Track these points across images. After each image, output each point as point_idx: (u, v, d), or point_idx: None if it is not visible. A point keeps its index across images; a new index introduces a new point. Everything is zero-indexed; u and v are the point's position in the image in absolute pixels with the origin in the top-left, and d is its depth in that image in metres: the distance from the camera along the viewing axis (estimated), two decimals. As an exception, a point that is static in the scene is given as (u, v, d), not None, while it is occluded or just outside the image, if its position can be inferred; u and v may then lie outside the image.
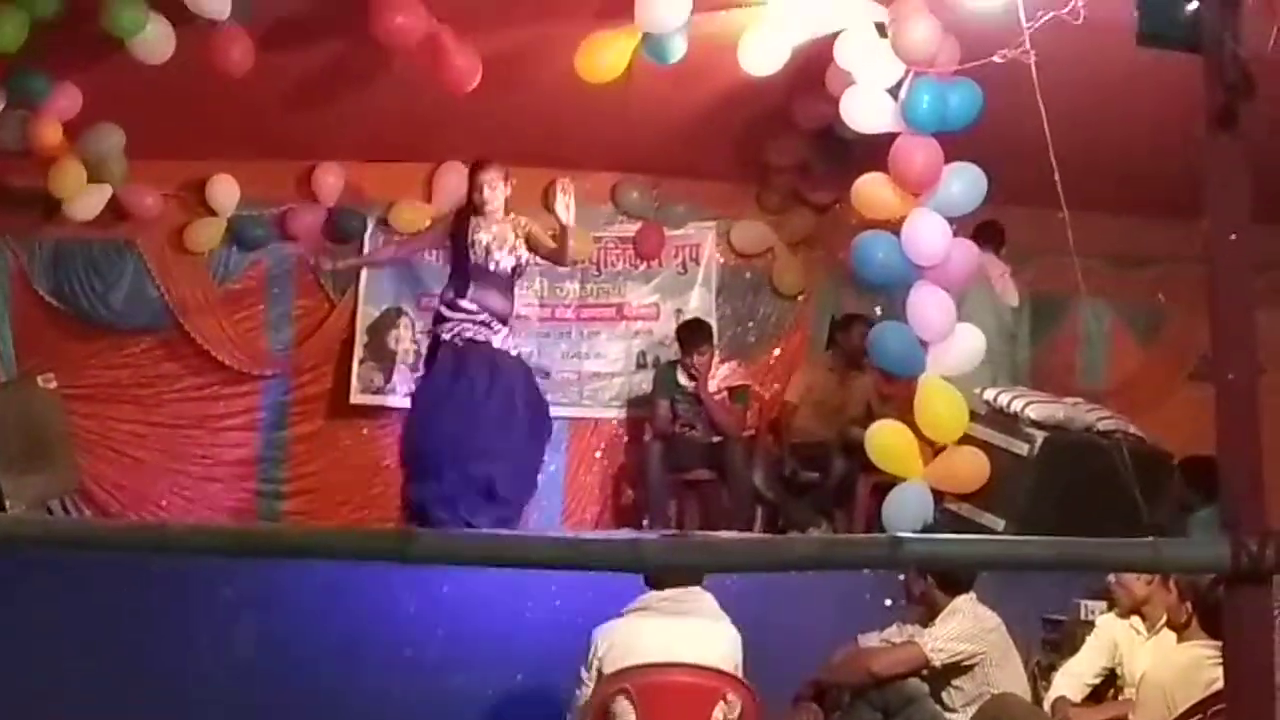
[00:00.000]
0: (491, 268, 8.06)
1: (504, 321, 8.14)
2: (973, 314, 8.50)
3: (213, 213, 9.74)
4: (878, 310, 9.15)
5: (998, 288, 9.27)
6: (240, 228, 9.81)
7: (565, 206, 7.95)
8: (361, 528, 8.12)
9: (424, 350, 9.32)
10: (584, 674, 5.54)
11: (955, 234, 7.73)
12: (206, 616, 6.85)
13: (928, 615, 5.84)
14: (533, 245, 8.16)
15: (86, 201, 9.01)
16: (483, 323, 8.04)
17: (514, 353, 8.27)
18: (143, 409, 9.78)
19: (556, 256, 8.36)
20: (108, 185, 9.01)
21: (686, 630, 5.50)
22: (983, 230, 8.70)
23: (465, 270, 8.11)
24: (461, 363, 8.03)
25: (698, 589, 5.58)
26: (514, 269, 8.16)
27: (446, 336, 8.09)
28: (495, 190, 8.02)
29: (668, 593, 5.52)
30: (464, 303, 8.06)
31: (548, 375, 9.69)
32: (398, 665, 6.87)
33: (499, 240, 8.03)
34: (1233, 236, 3.04)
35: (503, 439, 8.05)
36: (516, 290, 8.43)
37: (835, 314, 10.09)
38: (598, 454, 10.06)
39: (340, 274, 9.58)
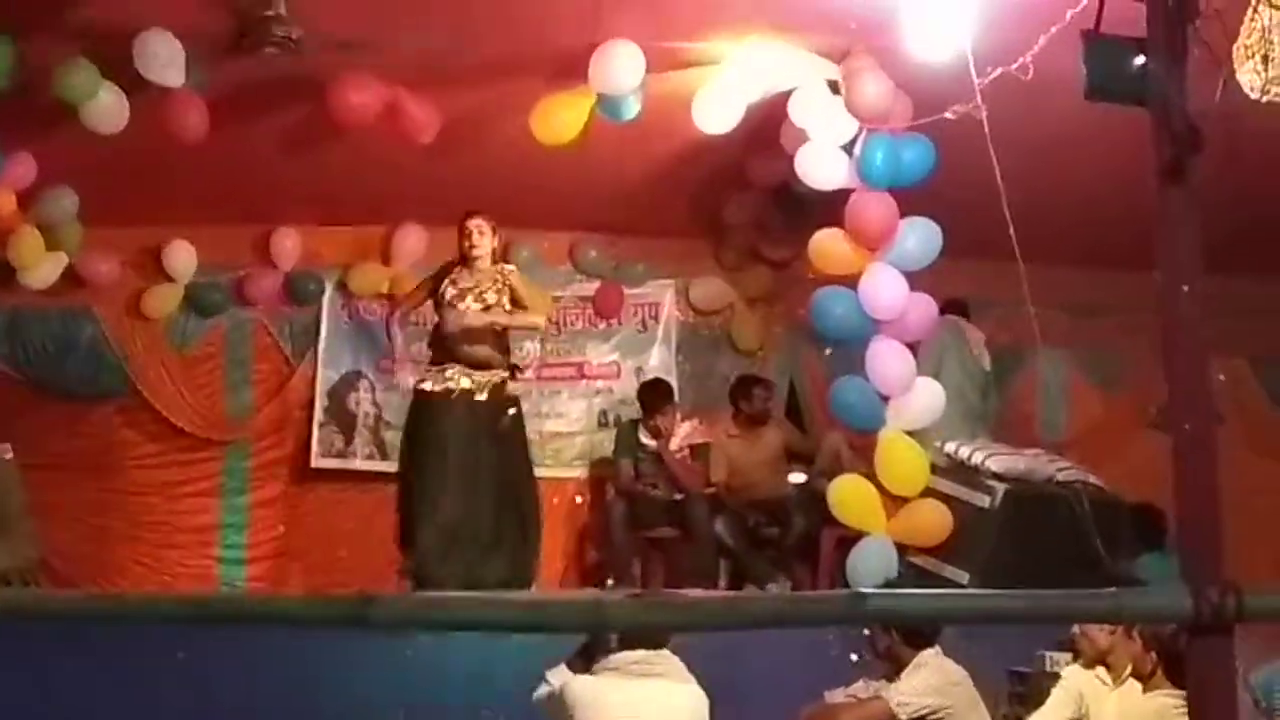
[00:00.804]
0: (457, 317, 7.83)
1: (483, 368, 7.86)
2: (948, 372, 8.59)
3: (170, 279, 9.71)
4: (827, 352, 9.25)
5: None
6: (198, 293, 9.79)
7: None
8: (322, 593, 8.03)
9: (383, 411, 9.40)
10: (549, 676, 5.52)
11: (912, 288, 7.76)
12: (166, 683, 6.77)
13: (893, 670, 5.82)
14: (514, 298, 7.97)
15: (42, 269, 8.97)
16: (459, 373, 7.81)
17: (508, 401, 7.97)
18: (102, 477, 9.69)
19: (526, 326, 8.29)
20: (63, 253, 8.98)
21: (655, 692, 5.46)
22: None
23: (439, 322, 7.96)
24: (441, 416, 7.78)
25: (666, 651, 5.55)
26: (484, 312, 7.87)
27: (426, 387, 7.86)
28: (483, 237, 7.94)
29: (637, 654, 5.48)
30: (444, 357, 7.88)
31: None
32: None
33: (469, 290, 7.87)
34: (1185, 287, 3.06)
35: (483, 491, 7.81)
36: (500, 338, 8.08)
37: (792, 373, 10.17)
38: (561, 514, 10.02)
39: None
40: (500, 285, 7.92)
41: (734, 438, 9.56)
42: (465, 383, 7.80)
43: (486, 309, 7.86)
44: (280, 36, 7.06)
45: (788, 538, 9.10)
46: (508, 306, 7.92)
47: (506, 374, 7.97)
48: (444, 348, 7.89)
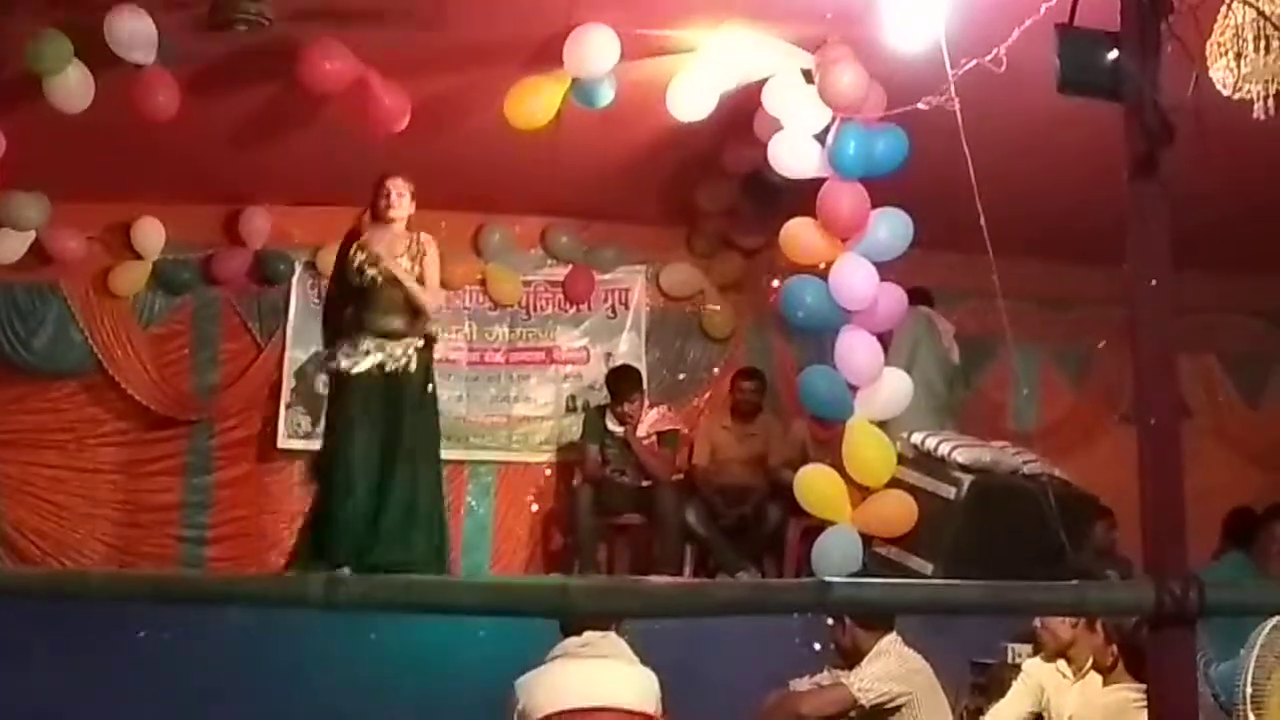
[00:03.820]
0: (371, 283, 7.30)
1: (397, 338, 7.31)
2: (920, 363, 8.62)
3: (138, 256, 9.67)
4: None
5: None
6: (166, 271, 9.75)
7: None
8: (285, 574, 8.00)
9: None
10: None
11: (883, 279, 7.77)
12: (128, 665, 6.74)
13: (853, 657, 5.85)
14: (420, 266, 7.40)
15: (9, 245, 8.91)
16: (377, 347, 7.28)
17: (421, 372, 7.39)
18: (65, 454, 9.67)
19: (419, 301, 7.41)
20: (30, 229, 8.92)
21: (607, 673, 5.47)
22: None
23: (350, 292, 7.39)
24: (363, 394, 7.25)
25: (612, 634, 5.55)
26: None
27: (343, 367, 7.29)
28: (402, 199, 7.37)
29: (584, 637, 5.49)
30: (354, 329, 7.35)
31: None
32: (323, 714, 6.78)
33: (382, 253, 7.29)
34: (1153, 282, 3.07)
35: (397, 471, 7.26)
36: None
37: (762, 361, 10.17)
38: (527, 499, 10.02)
39: None
40: (416, 253, 7.41)
41: (725, 428, 9.57)
42: (380, 356, 7.25)
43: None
44: (252, 15, 7.01)
45: (756, 528, 9.10)
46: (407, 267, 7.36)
47: (422, 342, 7.39)
48: (354, 319, 7.37)
